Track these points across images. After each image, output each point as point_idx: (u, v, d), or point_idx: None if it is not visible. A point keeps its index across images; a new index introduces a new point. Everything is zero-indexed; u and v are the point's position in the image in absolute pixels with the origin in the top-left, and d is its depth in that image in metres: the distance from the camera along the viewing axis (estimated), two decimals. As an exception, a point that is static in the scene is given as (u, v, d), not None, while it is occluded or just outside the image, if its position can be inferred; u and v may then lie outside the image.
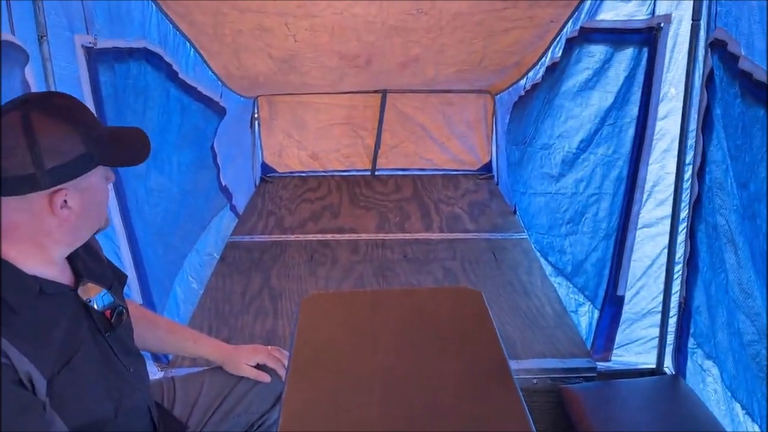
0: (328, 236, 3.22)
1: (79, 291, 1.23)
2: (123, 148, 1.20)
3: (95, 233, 1.26)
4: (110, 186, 1.26)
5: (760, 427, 1.57)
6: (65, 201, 1.10)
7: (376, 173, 4.13)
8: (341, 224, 3.39)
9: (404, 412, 1.24)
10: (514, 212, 3.42)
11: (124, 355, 1.32)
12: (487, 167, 4.06)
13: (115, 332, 1.29)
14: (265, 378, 1.57)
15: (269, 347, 1.62)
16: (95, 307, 1.25)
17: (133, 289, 2.01)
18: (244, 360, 1.58)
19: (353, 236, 3.21)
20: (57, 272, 1.19)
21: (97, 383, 1.23)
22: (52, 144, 1.07)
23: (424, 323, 1.60)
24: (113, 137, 1.19)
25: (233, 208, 3.44)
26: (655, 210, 1.99)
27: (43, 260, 1.15)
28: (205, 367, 1.83)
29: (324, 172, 4.13)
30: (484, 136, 4.03)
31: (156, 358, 2.13)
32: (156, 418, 1.43)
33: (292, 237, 3.22)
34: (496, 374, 1.38)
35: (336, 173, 4.13)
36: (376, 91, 3.90)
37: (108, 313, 1.27)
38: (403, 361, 1.42)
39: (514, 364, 2.10)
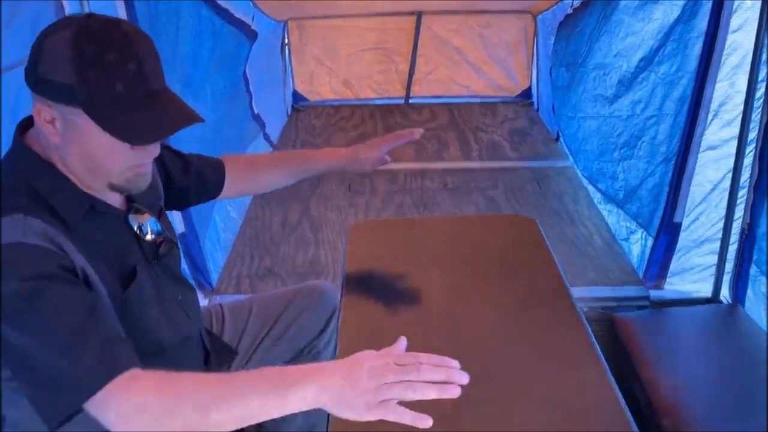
0: (365, 165, 3.15)
1: (130, 217, 1.20)
2: (123, 115, 1.02)
3: (119, 188, 1.13)
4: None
5: (831, 355, 1.51)
6: (53, 119, 1.04)
7: (410, 101, 4.01)
8: (378, 153, 3.31)
9: (466, 338, 1.21)
10: (557, 139, 3.31)
11: (172, 283, 1.30)
12: (526, 93, 3.91)
13: (161, 261, 1.26)
14: (388, 160, 1.56)
15: (379, 138, 1.57)
16: (145, 233, 1.22)
17: (174, 217, 1.98)
18: (364, 156, 1.54)
19: (391, 166, 3.10)
20: (108, 195, 1.15)
21: (153, 310, 1.21)
22: (51, 56, 1.01)
23: (477, 250, 1.55)
24: (123, 99, 1.02)
25: (266, 137, 3.37)
26: (720, 131, 1.88)
27: (78, 180, 1.10)
28: (250, 294, 1.82)
29: (357, 100, 4.01)
30: (524, 60, 3.86)
31: (200, 285, 2.13)
32: (209, 345, 1.42)
33: (328, 166, 3.15)
34: (556, 301, 1.35)
35: (369, 102, 4.01)
36: (410, 13, 3.73)
37: (158, 241, 1.24)
38: (458, 287, 1.39)
39: (564, 292, 2.06)
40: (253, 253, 2.40)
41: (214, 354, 1.44)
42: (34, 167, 1.08)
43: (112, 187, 1.12)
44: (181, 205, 1.50)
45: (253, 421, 0.95)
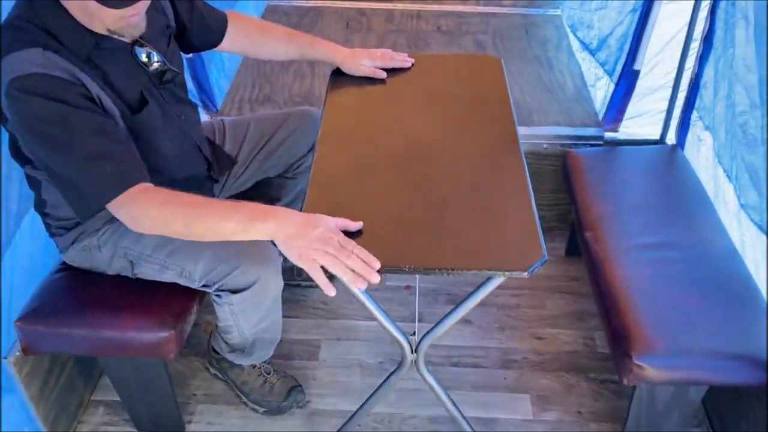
0: (364, 4, 3.26)
1: (136, 48, 1.39)
2: None
3: (117, 33, 1.32)
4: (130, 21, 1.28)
5: (735, 188, 1.79)
6: None
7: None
8: (377, -7, 3.41)
9: (420, 178, 1.42)
10: (553, -13, 3.38)
11: (175, 104, 1.53)
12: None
13: (166, 86, 1.48)
14: (381, 75, 1.74)
15: (379, 51, 1.77)
16: (150, 62, 1.42)
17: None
18: (361, 61, 1.74)
19: (389, 5, 3.25)
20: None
21: (158, 128, 1.45)
22: None
23: (446, 87, 1.75)
24: None
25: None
26: (682, -15, 2.02)
27: (85, 21, 1.28)
28: (250, 115, 2.07)
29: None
30: None
31: (205, 106, 2.38)
32: (208, 154, 1.68)
33: (328, 3, 3.27)
34: (505, 142, 1.54)
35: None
36: None
37: (163, 69, 1.45)
38: (423, 125, 1.59)
39: (527, 130, 2.32)
40: (254, 82, 2.62)
41: (215, 162, 1.72)
42: (46, 7, 1.26)
43: (110, 32, 1.31)
44: (184, 44, 1.65)
45: (226, 239, 1.25)
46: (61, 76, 1.23)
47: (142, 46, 1.40)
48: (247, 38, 1.77)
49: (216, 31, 1.70)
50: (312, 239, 1.18)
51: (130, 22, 1.30)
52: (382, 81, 1.75)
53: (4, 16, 1.31)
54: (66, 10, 1.27)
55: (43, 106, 1.20)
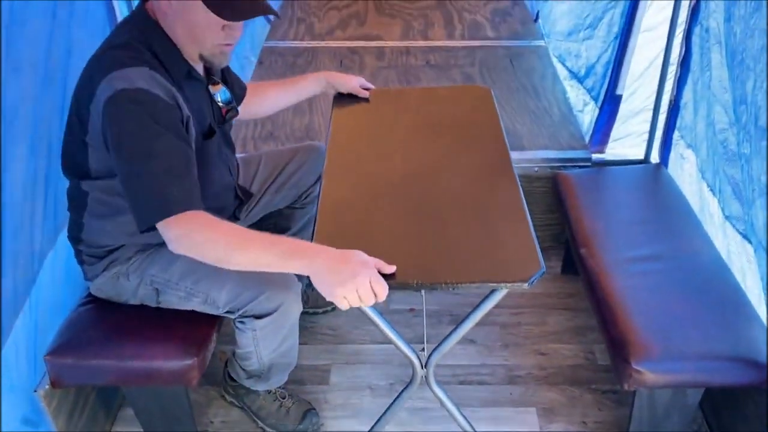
0: (356, 43, 3.41)
1: (210, 86, 1.54)
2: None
3: (207, 59, 1.45)
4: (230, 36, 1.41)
5: (719, 201, 1.90)
6: None
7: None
8: (368, 32, 3.56)
9: (420, 201, 1.52)
10: (536, 20, 3.54)
11: (225, 145, 1.66)
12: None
13: (223, 126, 1.61)
14: (365, 94, 1.94)
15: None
16: (218, 100, 1.57)
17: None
18: (345, 81, 1.94)
19: (379, 43, 3.40)
20: (197, 66, 1.48)
21: (215, 161, 1.57)
22: None
23: (439, 117, 1.87)
24: None
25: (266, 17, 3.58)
26: (657, 15, 2.16)
27: (180, 48, 1.43)
28: (260, 151, 2.18)
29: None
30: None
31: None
32: (241, 194, 1.78)
33: (322, 43, 3.41)
34: (498, 164, 1.65)
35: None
36: None
37: (224, 109, 1.59)
38: (421, 152, 1.70)
39: (517, 155, 2.44)
40: (256, 120, 2.74)
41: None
42: (154, 32, 1.40)
43: (202, 58, 1.44)
44: None
45: (262, 270, 1.31)
46: (162, 96, 1.35)
47: (214, 84, 1.55)
48: (254, 101, 1.90)
49: (240, 97, 1.83)
50: (344, 277, 1.22)
51: (224, 50, 1.43)
52: (381, 114, 1.87)
53: (5, 16, 1.41)
54: (170, 40, 1.41)
55: (141, 119, 1.32)
